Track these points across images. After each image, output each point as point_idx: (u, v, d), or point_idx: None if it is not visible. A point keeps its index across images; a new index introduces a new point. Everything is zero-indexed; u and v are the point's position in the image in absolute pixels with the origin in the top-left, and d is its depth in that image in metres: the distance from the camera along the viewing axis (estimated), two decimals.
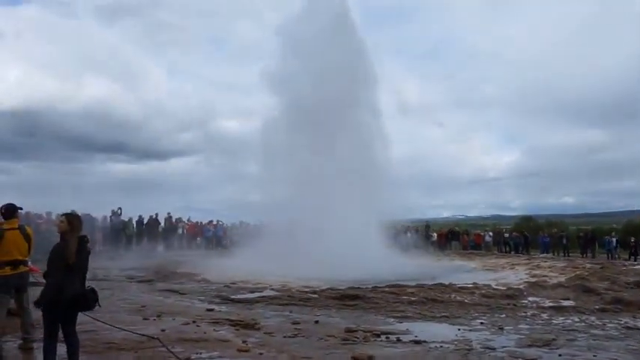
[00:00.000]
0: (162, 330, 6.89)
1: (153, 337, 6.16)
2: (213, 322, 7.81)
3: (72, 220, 4.74)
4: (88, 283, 4.84)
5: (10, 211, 6.03)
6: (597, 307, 10.72)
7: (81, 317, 4.95)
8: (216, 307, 9.56)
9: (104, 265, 15.32)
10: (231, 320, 8.03)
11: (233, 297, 11.19)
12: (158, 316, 8.15)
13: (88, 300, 4.67)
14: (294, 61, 21.31)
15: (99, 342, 6.17)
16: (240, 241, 20.97)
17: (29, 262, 6.24)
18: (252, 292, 12.11)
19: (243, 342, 6.57)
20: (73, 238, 4.66)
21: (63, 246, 4.63)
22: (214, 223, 26.46)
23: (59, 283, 4.52)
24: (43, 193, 28.05)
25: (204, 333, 6.96)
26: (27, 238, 6.05)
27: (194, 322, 7.69)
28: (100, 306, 4.83)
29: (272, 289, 12.40)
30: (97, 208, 22.33)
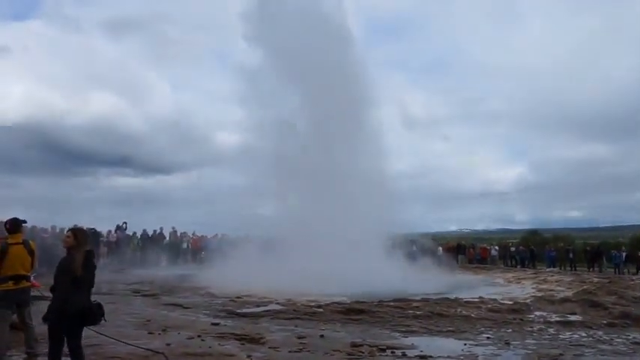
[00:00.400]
0: (168, 344, 6.87)
1: (158, 352, 6.15)
2: (218, 337, 7.78)
3: (78, 234, 4.79)
4: (92, 297, 4.85)
5: (15, 225, 6.09)
6: (605, 321, 10.64)
7: (86, 331, 4.95)
8: (221, 322, 9.51)
9: (109, 279, 15.29)
10: (237, 334, 8.00)
11: (238, 311, 11.14)
12: (163, 330, 8.12)
13: (95, 314, 4.68)
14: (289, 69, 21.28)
15: (104, 356, 6.14)
16: (242, 254, 20.93)
17: (32, 277, 6.26)
18: (258, 306, 12.07)
19: (248, 356, 6.54)
20: (79, 252, 4.69)
21: (70, 260, 4.66)
22: (219, 236, 26.42)
23: (66, 297, 4.55)
24: (49, 207, 28.26)
25: (210, 347, 6.92)
26: (30, 252, 6.08)
27: (199, 336, 7.65)
28: (105, 320, 4.84)
29: (277, 303, 12.33)
30: (102, 223, 22.47)
